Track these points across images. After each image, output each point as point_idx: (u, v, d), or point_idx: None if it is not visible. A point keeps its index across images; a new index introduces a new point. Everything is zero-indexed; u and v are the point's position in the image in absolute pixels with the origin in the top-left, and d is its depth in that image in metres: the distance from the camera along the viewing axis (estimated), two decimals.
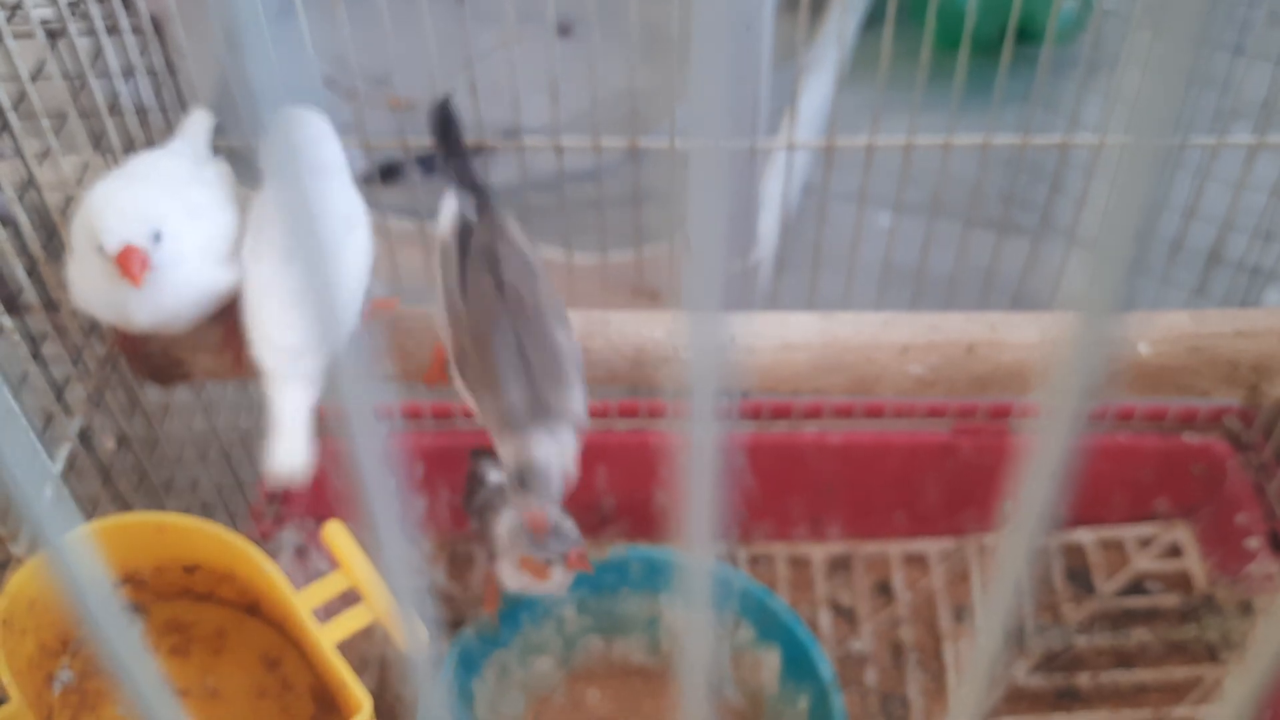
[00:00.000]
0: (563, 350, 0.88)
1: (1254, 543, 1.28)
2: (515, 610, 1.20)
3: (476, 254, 0.89)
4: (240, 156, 1.01)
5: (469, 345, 0.88)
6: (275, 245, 0.89)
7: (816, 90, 1.75)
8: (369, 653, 1.28)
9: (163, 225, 0.84)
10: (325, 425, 1.37)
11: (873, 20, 2.39)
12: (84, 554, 0.34)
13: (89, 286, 0.87)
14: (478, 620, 1.17)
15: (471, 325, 0.88)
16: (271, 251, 0.90)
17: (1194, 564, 1.35)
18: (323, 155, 0.91)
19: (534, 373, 0.86)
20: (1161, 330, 0.99)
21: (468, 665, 1.16)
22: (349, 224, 0.92)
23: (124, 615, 0.34)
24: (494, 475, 1.17)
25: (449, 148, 0.95)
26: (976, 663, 0.35)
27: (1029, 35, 2.23)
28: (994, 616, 0.34)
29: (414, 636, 0.76)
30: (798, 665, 1.15)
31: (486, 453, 1.22)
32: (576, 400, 0.88)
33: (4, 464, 0.31)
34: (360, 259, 0.92)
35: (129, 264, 0.81)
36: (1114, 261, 0.27)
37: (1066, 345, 0.29)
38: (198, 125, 1.00)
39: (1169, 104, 0.24)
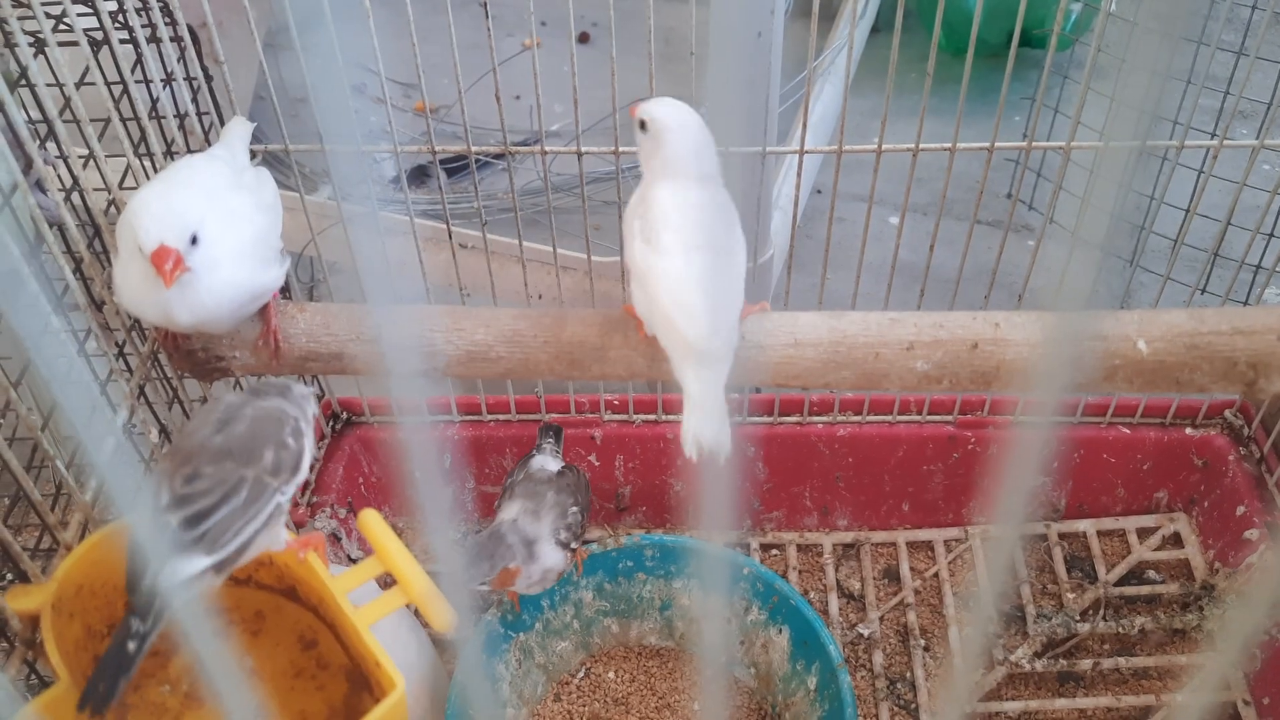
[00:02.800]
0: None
1: (1253, 534, 1.31)
2: (536, 595, 1.24)
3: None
4: (278, 160, 1.05)
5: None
6: (686, 243, 0.92)
7: (826, 96, 1.79)
8: None
9: (200, 229, 0.88)
10: (366, 415, 1.41)
11: (880, 27, 2.43)
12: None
13: (133, 288, 0.91)
14: (501, 605, 1.21)
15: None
16: (679, 247, 0.91)
17: (1194, 554, 1.39)
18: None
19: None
20: (1160, 328, 1.02)
21: (491, 648, 1.20)
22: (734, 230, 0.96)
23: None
24: (537, 460, 1.21)
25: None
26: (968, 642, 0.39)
27: (1034, 40, 2.26)
28: (984, 597, 0.38)
29: (450, 618, 0.80)
30: (807, 646, 1.20)
31: (553, 429, 1.28)
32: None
33: (90, 453, 0.35)
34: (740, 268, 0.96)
35: (161, 262, 0.85)
36: (1091, 259, 0.30)
37: (1046, 339, 0.32)
38: (237, 132, 1.05)
39: (1146, 106, 0.27)
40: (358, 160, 0.31)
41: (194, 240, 0.87)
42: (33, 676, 0.90)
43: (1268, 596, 0.35)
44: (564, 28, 1.04)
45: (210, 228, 0.89)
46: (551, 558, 1.11)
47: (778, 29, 1.22)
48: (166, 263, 0.85)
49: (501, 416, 1.42)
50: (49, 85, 0.93)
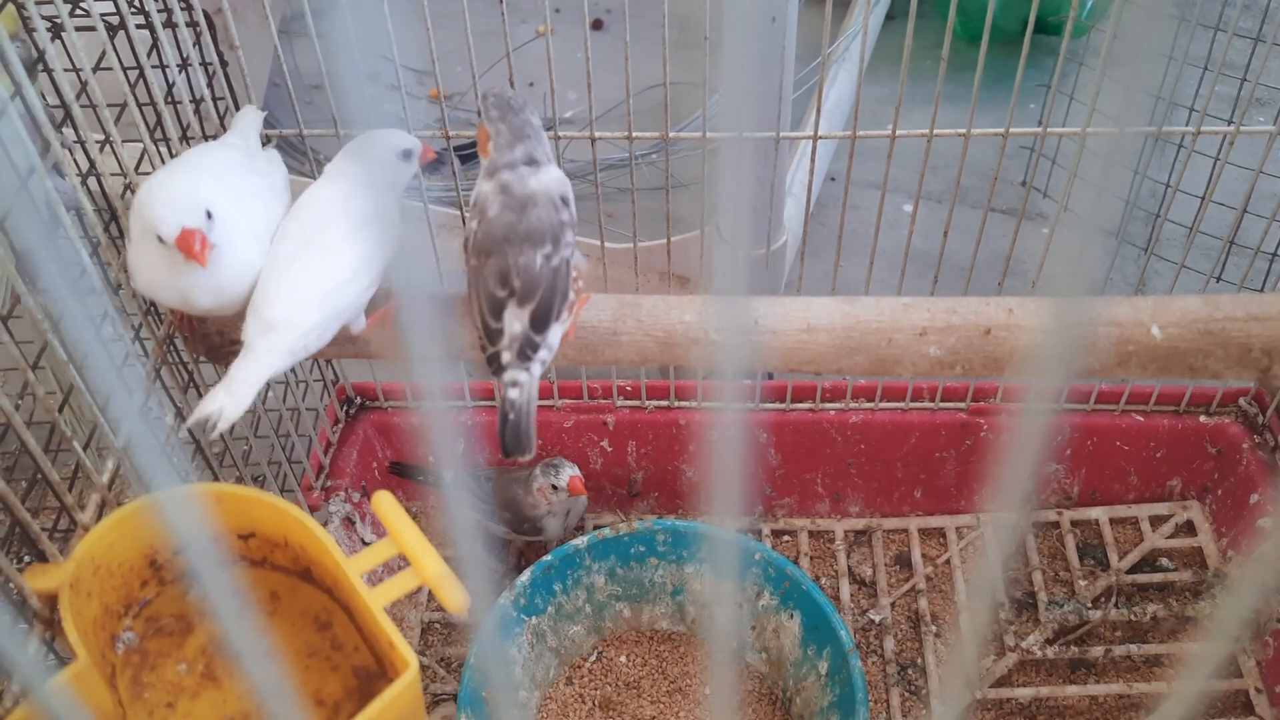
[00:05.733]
0: None
1: (1267, 522, 1.31)
2: (548, 579, 1.25)
3: None
4: (293, 146, 1.05)
5: None
6: (291, 234, 0.96)
7: (841, 82, 1.78)
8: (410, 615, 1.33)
9: (212, 205, 0.88)
10: (380, 399, 1.42)
11: (895, 14, 2.42)
12: (188, 503, 0.39)
13: (150, 272, 0.92)
14: (514, 589, 1.22)
15: None
16: (287, 239, 0.96)
17: (1207, 542, 1.39)
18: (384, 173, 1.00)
19: None
20: (1174, 314, 1.02)
21: (504, 632, 1.21)
22: (371, 225, 0.98)
23: (218, 548, 0.39)
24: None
25: None
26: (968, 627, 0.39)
27: (1049, 27, 2.25)
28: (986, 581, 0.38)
29: (463, 600, 0.81)
30: (818, 631, 1.20)
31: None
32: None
33: (107, 435, 0.36)
34: (367, 258, 0.97)
35: (189, 245, 0.86)
36: (1089, 245, 0.30)
37: (1047, 324, 0.32)
38: (248, 119, 1.05)
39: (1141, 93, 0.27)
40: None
41: (209, 215, 0.88)
42: (51, 655, 0.91)
43: (1265, 582, 0.35)
44: (577, 14, 1.04)
45: (223, 209, 0.90)
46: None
47: (792, 14, 1.22)
48: (194, 244, 0.86)
49: None
50: (66, 70, 0.94)
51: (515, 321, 0.96)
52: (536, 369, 0.97)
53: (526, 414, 0.97)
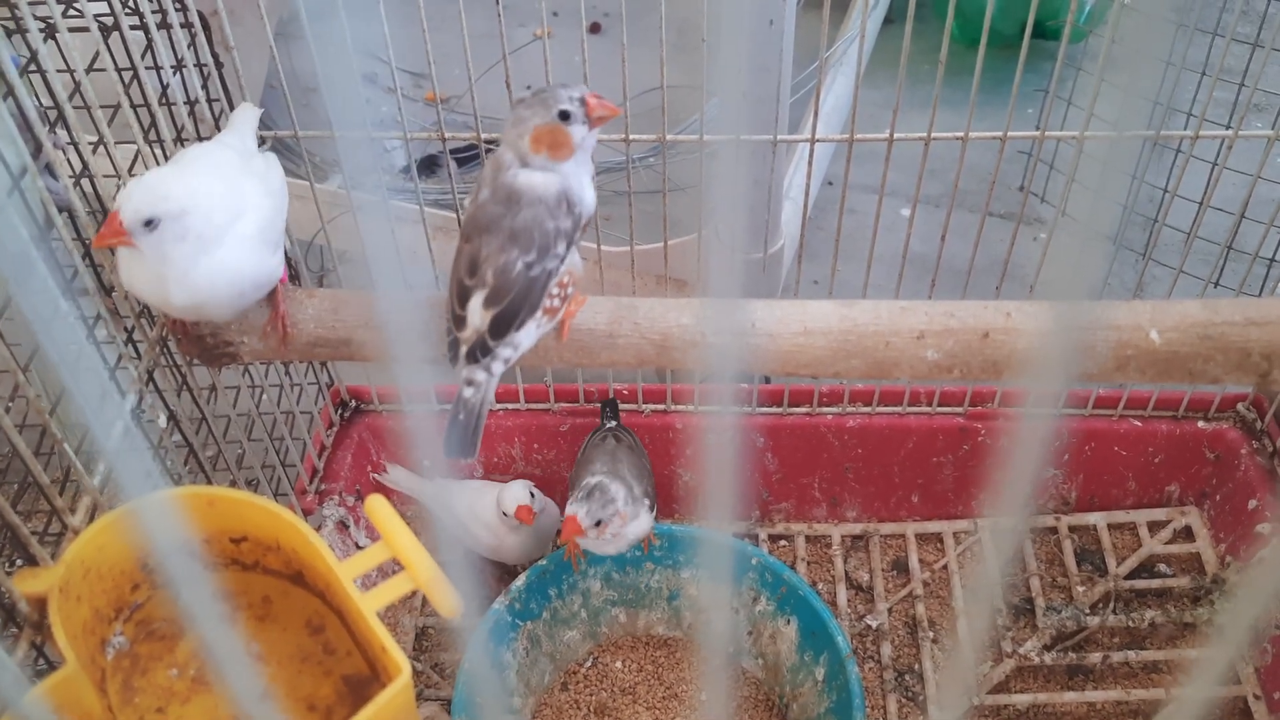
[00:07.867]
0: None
1: (1265, 528, 1.31)
2: (544, 584, 1.24)
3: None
4: (288, 148, 1.04)
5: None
6: None
7: (838, 87, 1.78)
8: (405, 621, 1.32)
9: (159, 214, 0.87)
10: (374, 402, 1.42)
11: (893, 18, 2.42)
12: (165, 510, 0.38)
13: (133, 270, 0.91)
14: (509, 593, 1.21)
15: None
16: None
17: (1205, 548, 1.38)
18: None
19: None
20: (1173, 318, 1.01)
21: (499, 637, 1.20)
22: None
23: (193, 556, 0.39)
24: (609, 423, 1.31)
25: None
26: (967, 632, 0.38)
27: (1047, 31, 2.25)
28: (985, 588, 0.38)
29: (456, 604, 0.80)
30: (815, 637, 1.19)
31: (609, 403, 1.36)
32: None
33: (98, 438, 0.35)
34: None
35: (104, 223, 0.86)
36: (1087, 249, 0.30)
37: (1046, 329, 0.32)
38: (244, 117, 1.05)
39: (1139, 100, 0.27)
40: (368, 148, 0.31)
41: (149, 224, 0.87)
42: (40, 660, 0.91)
43: (1269, 588, 0.35)
44: (575, 18, 1.04)
45: (205, 208, 0.89)
46: (645, 521, 1.15)
47: (790, 17, 1.22)
48: (108, 224, 0.86)
49: (510, 405, 1.42)
50: (59, 71, 0.93)
51: (476, 316, 0.93)
52: (498, 368, 0.94)
53: (478, 416, 0.93)
